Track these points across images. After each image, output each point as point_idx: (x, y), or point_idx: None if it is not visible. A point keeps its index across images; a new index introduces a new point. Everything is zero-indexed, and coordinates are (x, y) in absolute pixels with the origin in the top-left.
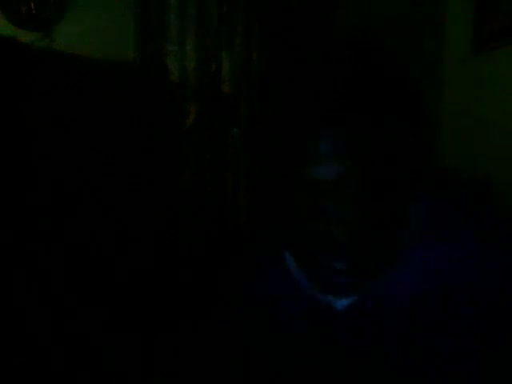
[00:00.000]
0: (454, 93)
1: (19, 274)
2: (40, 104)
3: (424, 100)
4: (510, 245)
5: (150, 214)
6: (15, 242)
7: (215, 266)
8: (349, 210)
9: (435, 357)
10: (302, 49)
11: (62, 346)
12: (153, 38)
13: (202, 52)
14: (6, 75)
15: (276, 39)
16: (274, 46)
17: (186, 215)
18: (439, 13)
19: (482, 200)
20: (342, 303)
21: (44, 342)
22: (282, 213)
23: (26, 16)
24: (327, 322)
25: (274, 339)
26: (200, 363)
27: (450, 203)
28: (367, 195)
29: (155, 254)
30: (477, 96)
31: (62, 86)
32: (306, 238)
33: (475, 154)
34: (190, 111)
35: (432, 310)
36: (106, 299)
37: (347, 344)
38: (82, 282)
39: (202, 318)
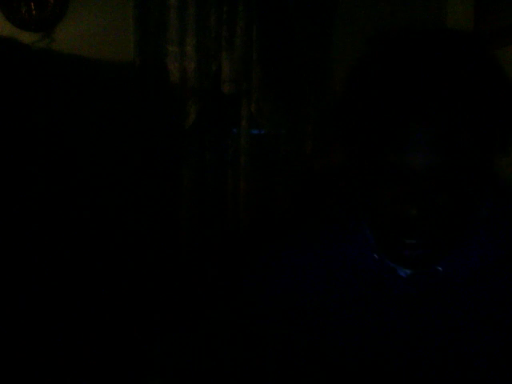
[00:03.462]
0: None
1: (19, 273)
2: (40, 104)
3: None
4: None
5: (149, 214)
6: (15, 242)
7: (215, 266)
8: (433, 197)
9: (493, 332)
10: (302, 49)
11: (62, 345)
12: (153, 38)
13: (202, 52)
14: (6, 75)
15: (276, 39)
16: (273, 45)
17: (186, 215)
18: (439, 13)
19: None
20: (406, 271)
21: (44, 342)
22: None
23: (26, 16)
24: (389, 286)
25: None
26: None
27: None
28: (450, 185)
29: (155, 254)
30: None
31: (62, 87)
32: (383, 217)
33: None
34: (189, 111)
35: (491, 286)
36: (105, 299)
37: (406, 310)
38: (82, 281)
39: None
